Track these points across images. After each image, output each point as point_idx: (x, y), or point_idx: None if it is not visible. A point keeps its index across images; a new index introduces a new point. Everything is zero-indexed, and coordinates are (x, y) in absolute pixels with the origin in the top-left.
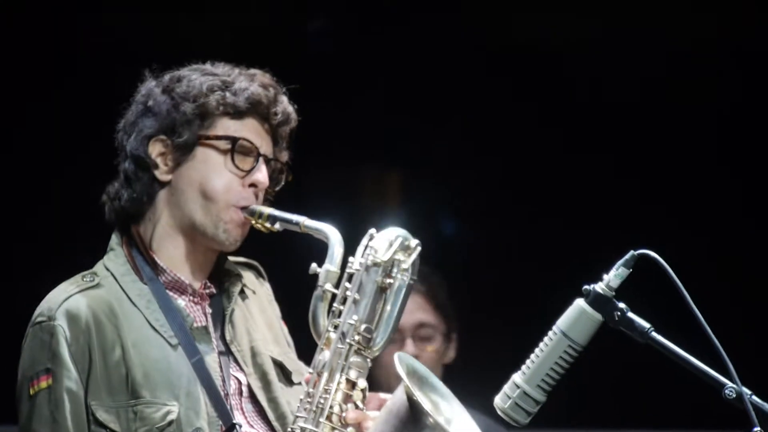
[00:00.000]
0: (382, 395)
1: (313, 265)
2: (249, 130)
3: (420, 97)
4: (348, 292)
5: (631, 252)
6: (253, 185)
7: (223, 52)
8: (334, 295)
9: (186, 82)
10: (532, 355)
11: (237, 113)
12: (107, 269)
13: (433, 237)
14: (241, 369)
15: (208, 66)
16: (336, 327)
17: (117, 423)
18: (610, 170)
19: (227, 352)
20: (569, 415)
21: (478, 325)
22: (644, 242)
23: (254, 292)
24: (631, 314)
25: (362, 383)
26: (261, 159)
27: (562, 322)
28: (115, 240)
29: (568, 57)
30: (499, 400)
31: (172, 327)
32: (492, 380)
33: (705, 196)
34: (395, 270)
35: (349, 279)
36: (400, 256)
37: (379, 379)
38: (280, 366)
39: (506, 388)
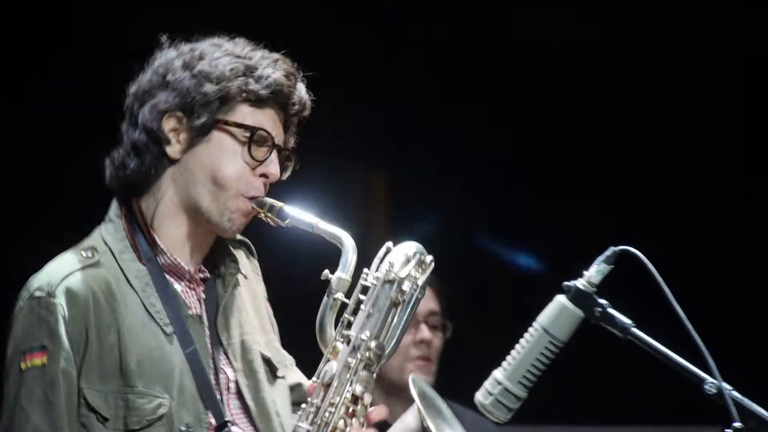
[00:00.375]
0: (375, 414)
1: (326, 271)
2: (267, 119)
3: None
4: (362, 306)
5: (612, 248)
6: (264, 176)
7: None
8: (343, 304)
9: (209, 60)
10: (513, 351)
11: (257, 101)
12: (106, 243)
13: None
14: (230, 363)
15: (229, 44)
16: (344, 337)
17: (107, 409)
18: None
19: (218, 343)
20: (550, 411)
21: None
22: (625, 239)
23: (245, 277)
24: (612, 310)
25: (367, 398)
26: (275, 150)
27: (543, 318)
28: (114, 211)
29: (567, 57)
30: (480, 396)
31: (168, 314)
32: (481, 375)
33: (687, 194)
34: (409, 286)
35: (364, 291)
36: (415, 272)
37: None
38: (267, 362)
39: (487, 384)
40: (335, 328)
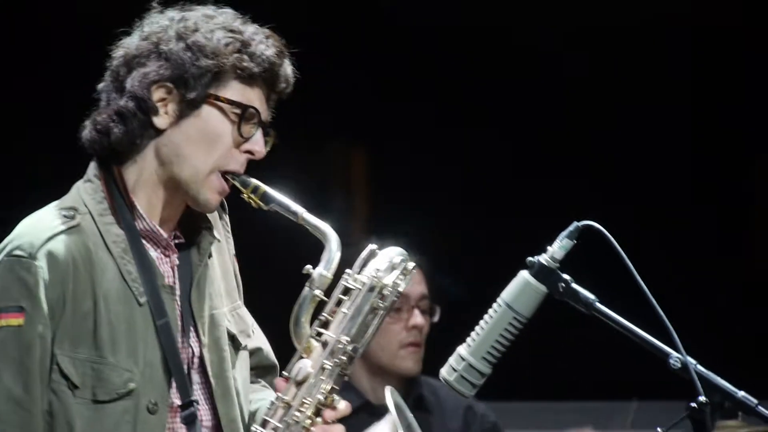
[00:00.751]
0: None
1: (308, 266)
2: (256, 96)
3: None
4: (342, 307)
5: (575, 223)
6: (249, 152)
7: None
8: (321, 301)
9: (203, 33)
10: (477, 327)
11: (249, 77)
12: (86, 204)
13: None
14: (198, 337)
15: (221, 17)
16: (320, 335)
17: (77, 376)
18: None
19: (189, 315)
20: (515, 387)
21: None
22: (588, 215)
23: (218, 240)
24: (575, 285)
25: (336, 401)
26: (260, 128)
27: (507, 293)
28: (93, 171)
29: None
30: (444, 372)
31: (143, 282)
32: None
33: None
34: (390, 292)
35: (345, 291)
36: (399, 279)
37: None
38: (232, 338)
39: (451, 360)
40: (311, 324)
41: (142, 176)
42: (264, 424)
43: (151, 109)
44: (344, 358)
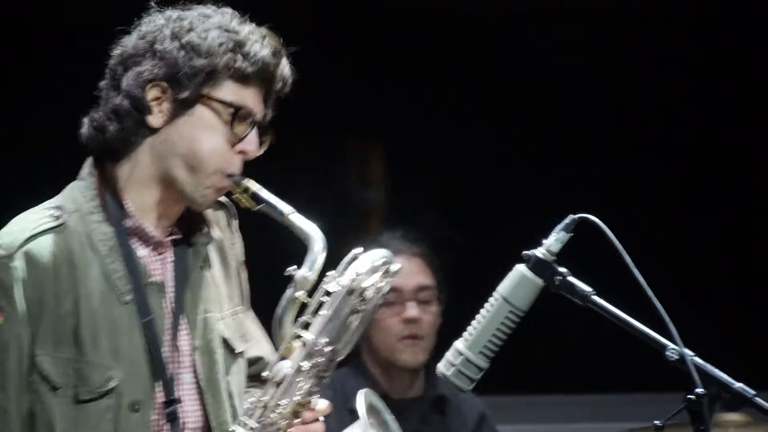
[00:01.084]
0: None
1: (293, 267)
2: (250, 96)
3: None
4: (323, 309)
5: (571, 216)
6: (242, 152)
7: None
8: (303, 303)
9: (198, 33)
10: (474, 322)
11: (243, 77)
12: (75, 202)
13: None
14: (190, 337)
15: (218, 16)
16: (299, 337)
17: (57, 376)
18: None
19: (182, 314)
20: (513, 380)
21: None
22: (584, 207)
23: (221, 243)
24: (572, 278)
25: (314, 402)
26: (254, 128)
27: (503, 287)
28: (87, 169)
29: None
30: (441, 367)
31: (128, 281)
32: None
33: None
34: (372, 293)
35: (327, 293)
36: (380, 282)
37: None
38: (226, 343)
39: (449, 354)
40: (293, 325)
41: (135, 174)
42: (241, 423)
43: (146, 108)
44: (322, 359)
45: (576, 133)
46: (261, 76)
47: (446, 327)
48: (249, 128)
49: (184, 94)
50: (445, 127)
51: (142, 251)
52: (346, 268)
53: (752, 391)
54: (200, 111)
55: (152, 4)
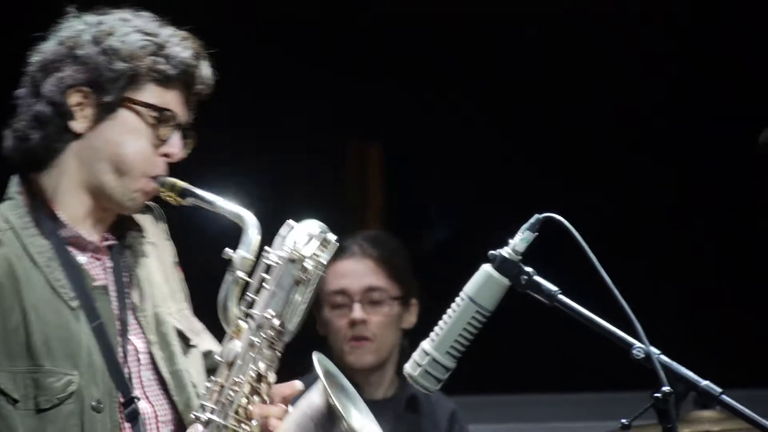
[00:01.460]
0: (280, 387)
1: (227, 249)
2: (172, 98)
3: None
4: (265, 284)
5: (536, 215)
6: (166, 155)
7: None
8: (246, 283)
9: (118, 36)
10: (441, 322)
11: (165, 80)
12: (8, 221)
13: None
14: (144, 335)
15: (138, 20)
16: (248, 316)
17: (16, 390)
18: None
19: (130, 314)
20: (480, 381)
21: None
22: (584, 207)
23: (154, 244)
24: (537, 278)
25: (271, 377)
26: (177, 130)
27: (469, 287)
28: (14, 188)
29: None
30: (409, 368)
31: (73, 288)
32: None
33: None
34: (312, 265)
35: (266, 270)
36: (319, 251)
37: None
38: (180, 334)
39: (415, 355)
40: (238, 307)
41: (63, 182)
42: (201, 408)
43: (68, 114)
44: (272, 332)
45: (576, 133)
46: (183, 79)
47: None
48: (172, 131)
49: (107, 99)
50: (445, 127)
51: (81, 258)
52: (283, 241)
53: (719, 389)
54: (124, 115)
55: (70, 9)
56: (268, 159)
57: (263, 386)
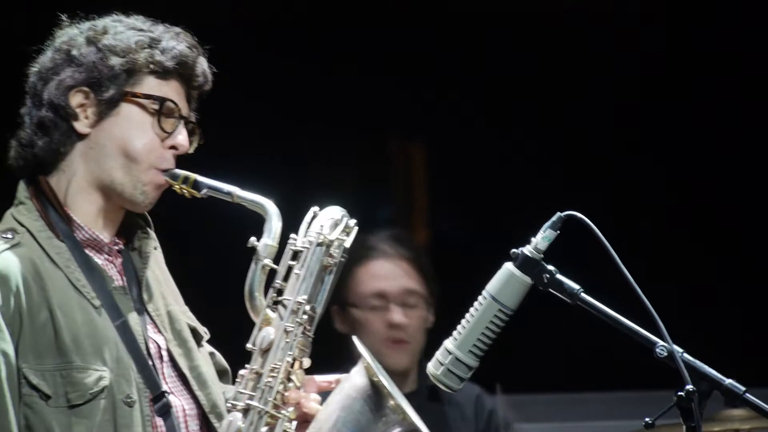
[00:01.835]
0: (318, 378)
1: (252, 238)
2: (173, 90)
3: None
4: (294, 270)
5: (558, 213)
6: (173, 147)
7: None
8: (272, 271)
9: (113, 34)
10: (463, 321)
11: (163, 72)
12: (22, 225)
13: None
14: (161, 333)
15: (130, 19)
16: (277, 303)
17: (47, 386)
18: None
19: (145, 314)
20: (503, 380)
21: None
22: (584, 207)
23: (156, 248)
24: (560, 276)
25: (306, 362)
26: (182, 122)
27: (492, 286)
28: (23, 193)
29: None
30: (431, 367)
31: (93, 288)
32: None
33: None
34: (337, 249)
35: (294, 256)
36: (342, 236)
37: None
38: (193, 332)
39: (438, 354)
40: (265, 295)
41: (73, 184)
42: (237, 397)
43: (71, 115)
44: (305, 317)
45: (576, 133)
46: (180, 71)
47: (446, 327)
48: (176, 122)
49: (108, 95)
50: (445, 127)
51: (98, 259)
52: (308, 227)
53: (743, 388)
54: (126, 109)
55: (63, 19)
56: (265, 158)
57: (298, 372)
